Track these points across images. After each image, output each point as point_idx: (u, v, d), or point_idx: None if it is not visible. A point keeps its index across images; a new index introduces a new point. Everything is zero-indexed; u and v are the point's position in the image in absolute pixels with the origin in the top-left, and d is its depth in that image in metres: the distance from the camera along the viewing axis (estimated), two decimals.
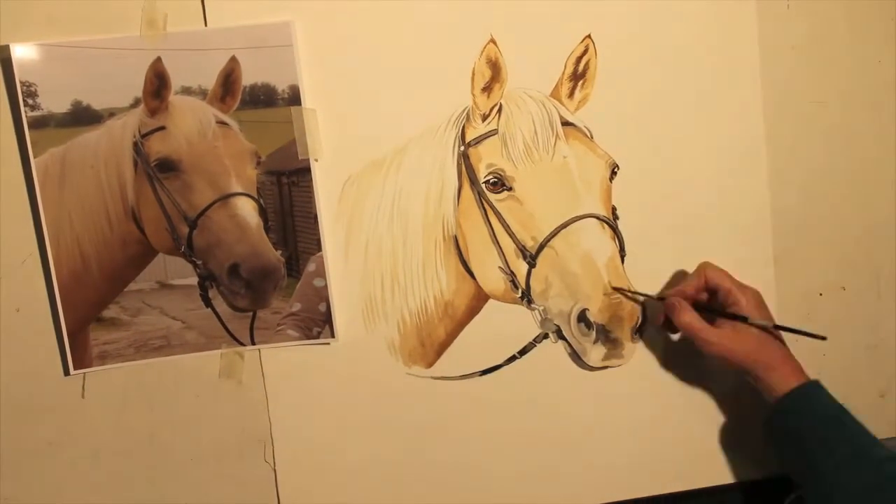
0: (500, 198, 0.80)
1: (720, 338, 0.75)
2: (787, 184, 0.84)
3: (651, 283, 0.81)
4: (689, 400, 0.84)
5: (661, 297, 0.79)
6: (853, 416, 0.73)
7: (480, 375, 0.83)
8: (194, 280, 0.79)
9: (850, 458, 0.71)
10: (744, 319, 0.75)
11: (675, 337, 0.83)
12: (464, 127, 0.80)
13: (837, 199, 0.86)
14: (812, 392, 0.74)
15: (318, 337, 0.80)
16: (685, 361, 0.84)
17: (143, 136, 0.77)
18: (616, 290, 0.79)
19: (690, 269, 0.82)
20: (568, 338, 0.82)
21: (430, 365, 0.82)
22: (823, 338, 0.75)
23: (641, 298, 0.80)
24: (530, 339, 0.83)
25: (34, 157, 0.76)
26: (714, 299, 0.79)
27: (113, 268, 0.78)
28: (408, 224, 0.80)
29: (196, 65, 0.76)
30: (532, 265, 0.80)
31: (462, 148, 0.80)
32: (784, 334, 0.77)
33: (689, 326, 0.76)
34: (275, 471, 0.82)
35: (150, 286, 0.79)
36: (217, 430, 0.81)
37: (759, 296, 0.78)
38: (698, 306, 0.77)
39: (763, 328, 0.75)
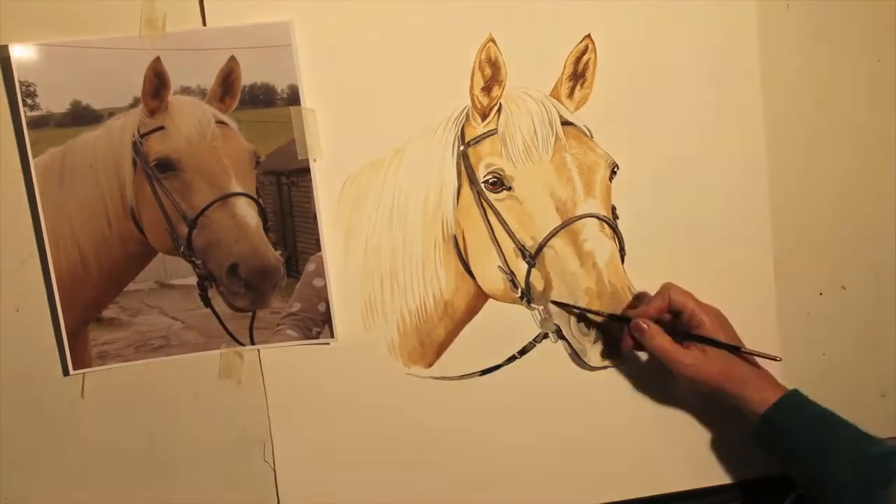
0: (500, 197, 0.80)
1: (693, 359, 0.76)
2: (787, 184, 0.84)
3: (651, 283, 0.81)
4: (688, 400, 0.84)
5: (624, 317, 0.79)
6: (840, 416, 0.74)
7: (480, 375, 0.83)
8: (194, 280, 0.79)
9: (847, 459, 0.71)
10: (708, 341, 0.76)
11: (644, 357, 0.83)
12: (463, 127, 0.80)
13: (837, 199, 0.86)
14: (795, 400, 0.75)
15: (317, 337, 0.80)
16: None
17: (143, 135, 0.77)
18: (558, 304, 0.80)
19: (691, 268, 0.82)
20: (568, 338, 0.82)
21: (429, 365, 0.82)
22: (778, 359, 0.76)
23: (601, 319, 0.80)
24: (530, 339, 0.83)
25: (33, 157, 0.76)
26: (677, 320, 0.79)
27: (112, 268, 0.78)
28: (407, 224, 0.80)
29: (195, 64, 0.76)
30: (532, 265, 0.80)
31: (461, 147, 0.80)
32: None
33: (663, 350, 0.76)
34: (274, 471, 0.82)
35: (150, 286, 0.79)
36: (217, 430, 0.81)
37: (721, 315, 0.78)
38: (664, 328, 0.77)
39: (726, 349, 0.76)
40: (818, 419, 0.74)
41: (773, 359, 0.76)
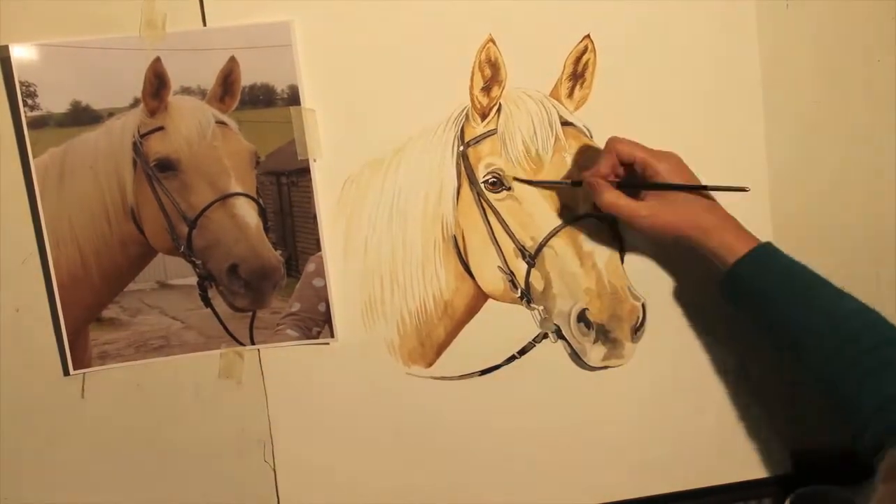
0: (500, 197, 0.80)
1: (649, 209, 0.72)
2: (787, 184, 0.84)
3: (651, 282, 0.81)
4: (688, 400, 0.84)
5: (575, 182, 0.77)
6: (813, 271, 0.72)
7: (480, 375, 0.83)
8: (194, 280, 0.79)
9: (819, 315, 0.69)
10: (666, 187, 0.72)
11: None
12: (463, 127, 0.80)
13: (837, 198, 0.86)
14: (768, 251, 0.72)
15: (317, 337, 0.80)
16: (685, 361, 0.84)
17: (143, 136, 0.77)
18: (520, 180, 0.78)
19: (690, 268, 0.82)
20: (568, 338, 0.82)
21: (429, 365, 0.82)
22: (746, 189, 0.72)
23: (560, 187, 0.78)
24: (530, 339, 0.83)
25: (33, 158, 0.76)
26: (632, 174, 0.75)
27: (112, 268, 0.78)
28: (407, 224, 0.80)
29: (195, 65, 0.76)
30: (531, 265, 0.80)
31: (461, 148, 0.80)
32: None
33: (615, 205, 0.73)
34: (274, 471, 0.82)
35: (150, 286, 0.79)
36: (217, 430, 0.81)
37: (677, 159, 0.74)
38: (620, 185, 0.74)
39: (688, 190, 0.72)
40: (792, 271, 0.71)
41: (741, 189, 0.72)
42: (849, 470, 0.70)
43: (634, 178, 0.75)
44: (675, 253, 0.83)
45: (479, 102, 0.80)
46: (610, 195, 0.73)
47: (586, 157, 0.80)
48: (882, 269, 0.87)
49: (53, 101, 0.75)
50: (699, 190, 0.73)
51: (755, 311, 0.73)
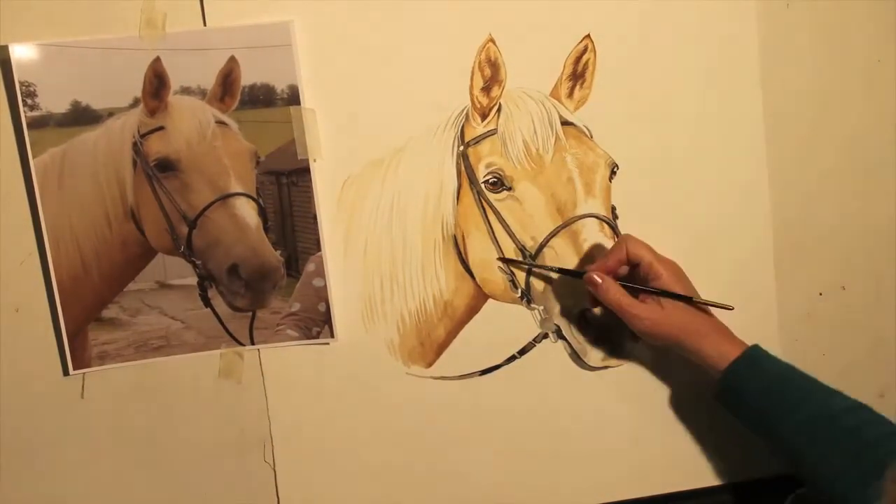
0: (500, 197, 0.80)
1: (649, 312, 0.74)
2: (787, 184, 0.84)
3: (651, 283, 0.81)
4: (689, 400, 0.84)
5: (579, 272, 0.78)
6: (802, 371, 0.73)
7: (480, 375, 0.83)
8: (194, 280, 0.79)
9: (809, 415, 0.70)
10: (663, 294, 0.74)
11: (597, 311, 0.81)
12: (463, 126, 0.80)
13: (837, 198, 0.86)
14: (756, 355, 0.73)
15: (317, 337, 0.80)
16: (685, 361, 0.83)
17: (143, 136, 0.77)
18: (504, 261, 0.80)
19: (691, 269, 0.81)
20: (568, 338, 0.82)
21: (429, 365, 0.82)
22: (730, 307, 0.75)
23: (555, 275, 0.79)
24: (530, 339, 0.83)
25: (33, 158, 0.76)
26: (635, 273, 0.77)
27: (112, 268, 0.78)
28: (407, 224, 0.80)
29: (195, 65, 0.76)
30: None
31: (461, 148, 0.80)
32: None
33: (618, 303, 0.74)
34: (275, 471, 0.82)
35: (150, 286, 0.79)
36: (217, 430, 0.81)
37: (678, 268, 0.77)
38: (620, 281, 0.76)
39: (680, 300, 0.74)
40: (781, 374, 0.73)
41: (726, 308, 0.75)
42: None
43: (633, 279, 0.77)
44: (674, 253, 0.83)
45: (479, 102, 0.80)
46: (615, 294, 0.75)
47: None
48: (882, 269, 0.87)
49: (53, 101, 0.75)
50: (690, 301, 0.75)
51: (747, 413, 0.74)
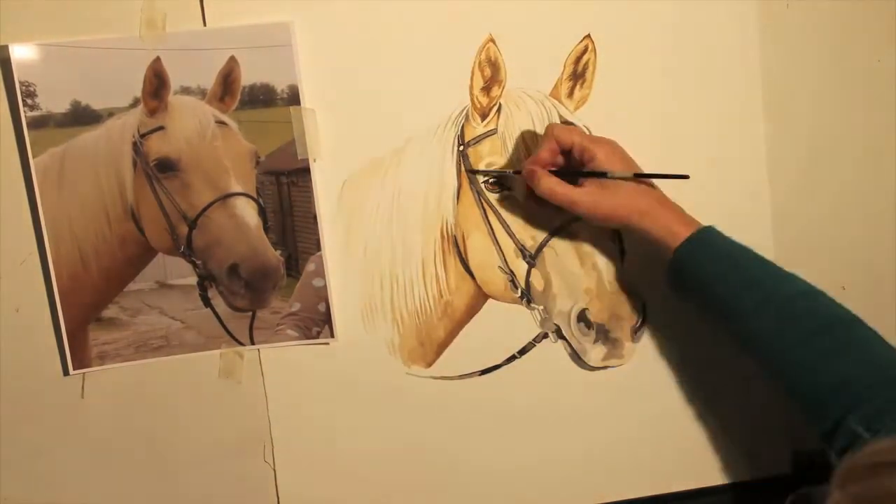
0: (500, 197, 0.80)
1: (589, 195, 0.72)
2: (787, 184, 0.84)
3: (651, 282, 0.81)
4: (688, 400, 0.84)
5: (516, 171, 0.77)
6: (756, 253, 0.72)
7: (480, 375, 0.83)
8: (194, 280, 0.79)
9: (766, 297, 0.69)
10: (603, 175, 0.73)
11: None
12: (463, 126, 0.80)
13: (837, 199, 0.86)
14: (710, 235, 0.72)
15: (317, 337, 0.80)
16: (685, 361, 0.84)
17: (143, 136, 0.77)
18: (474, 171, 0.79)
19: None
20: (568, 337, 0.82)
21: (429, 365, 0.82)
22: (686, 177, 0.73)
23: (493, 179, 0.78)
24: (530, 339, 0.82)
25: (33, 158, 0.76)
26: (570, 160, 0.76)
27: (112, 268, 0.78)
28: (407, 224, 0.80)
29: (195, 65, 0.76)
30: (532, 265, 0.80)
31: (461, 147, 0.80)
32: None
33: (552, 192, 0.73)
34: (274, 470, 0.82)
35: (150, 286, 0.79)
36: (217, 430, 0.81)
37: (615, 146, 0.74)
38: (559, 173, 0.74)
39: (622, 179, 0.72)
40: (735, 253, 0.71)
41: (681, 177, 0.73)
42: None
43: (572, 166, 0.75)
44: None
45: (479, 102, 0.80)
46: (547, 182, 0.73)
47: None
48: (882, 269, 0.87)
49: (53, 101, 0.75)
50: (637, 177, 0.73)
51: (700, 297, 0.72)
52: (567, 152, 0.75)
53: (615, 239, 0.81)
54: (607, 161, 0.73)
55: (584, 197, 0.73)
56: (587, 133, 0.75)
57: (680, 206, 0.74)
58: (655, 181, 0.75)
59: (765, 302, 0.69)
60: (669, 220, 0.72)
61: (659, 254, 0.73)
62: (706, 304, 0.73)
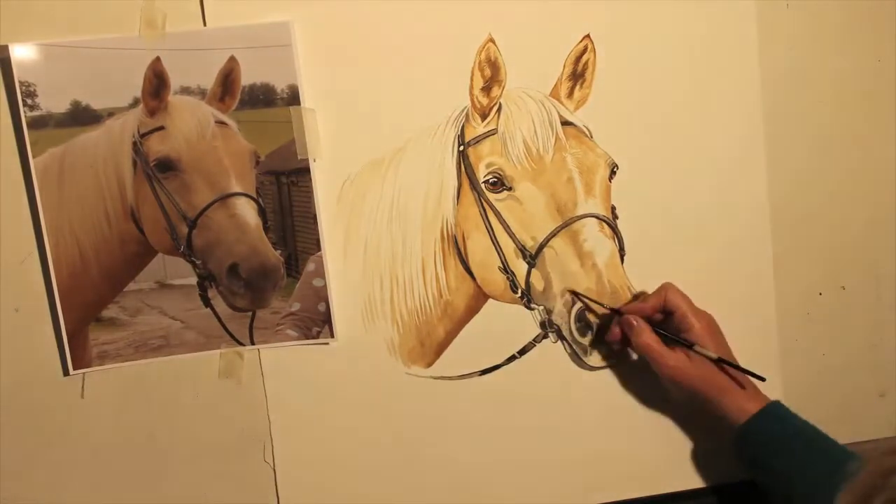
0: (500, 197, 0.80)
1: (677, 361, 0.76)
2: (786, 183, 0.84)
3: (651, 282, 0.81)
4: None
5: (618, 311, 0.79)
6: (818, 430, 0.74)
7: (480, 375, 0.83)
8: (193, 280, 0.79)
9: (824, 474, 0.71)
10: (690, 346, 0.76)
11: (634, 356, 0.82)
12: (463, 126, 0.80)
13: (837, 198, 0.86)
14: (775, 412, 0.75)
15: (317, 337, 0.80)
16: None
17: (142, 135, 0.77)
18: (573, 294, 0.80)
19: (690, 268, 0.82)
20: (568, 338, 0.82)
21: (429, 365, 0.82)
22: (762, 378, 0.75)
23: (604, 311, 0.80)
24: (530, 339, 0.83)
25: (33, 157, 0.76)
26: (669, 321, 0.78)
27: (112, 268, 0.78)
28: (407, 224, 0.80)
29: (195, 65, 0.76)
30: (532, 265, 0.80)
31: (461, 147, 0.80)
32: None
33: (649, 348, 0.76)
34: (274, 470, 0.82)
35: (150, 286, 0.79)
36: (217, 429, 0.81)
37: (713, 322, 0.78)
38: (654, 328, 0.77)
39: (706, 357, 0.75)
40: (795, 433, 0.74)
41: (759, 378, 0.76)
42: None
43: (667, 327, 0.78)
44: (674, 253, 0.83)
45: (479, 102, 0.80)
46: (647, 338, 0.76)
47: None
48: (882, 269, 0.87)
49: (53, 101, 0.75)
50: (719, 363, 0.76)
51: (764, 467, 0.75)
52: (667, 313, 0.78)
53: (615, 239, 0.81)
54: (701, 334, 0.76)
55: (673, 362, 0.76)
56: (691, 302, 0.78)
57: (755, 385, 0.76)
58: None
59: (826, 473, 0.72)
60: (742, 397, 0.75)
61: (727, 422, 0.75)
62: (762, 475, 0.75)
